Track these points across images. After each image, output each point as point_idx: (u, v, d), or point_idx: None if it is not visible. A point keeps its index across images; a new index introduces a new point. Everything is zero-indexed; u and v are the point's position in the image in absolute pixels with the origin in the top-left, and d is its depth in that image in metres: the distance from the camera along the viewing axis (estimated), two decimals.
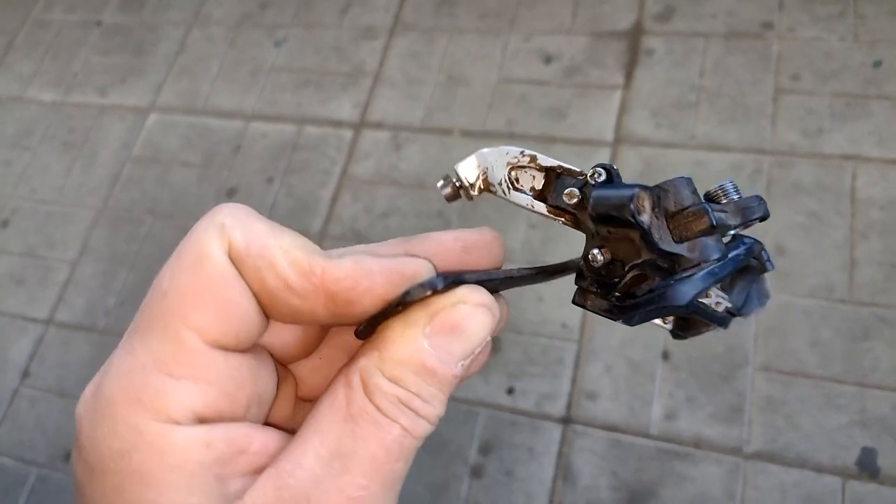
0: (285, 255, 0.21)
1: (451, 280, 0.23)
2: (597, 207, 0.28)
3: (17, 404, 1.49)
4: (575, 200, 0.29)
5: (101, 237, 1.63)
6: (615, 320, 0.28)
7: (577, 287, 0.30)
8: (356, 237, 1.46)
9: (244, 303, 0.21)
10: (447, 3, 1.69)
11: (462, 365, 0.22)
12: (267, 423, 0.24)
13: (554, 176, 0.31)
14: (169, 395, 0.20)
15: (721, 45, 1.46)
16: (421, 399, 0.22)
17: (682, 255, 0.27)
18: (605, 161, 1.38)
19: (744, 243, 0.28)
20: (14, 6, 2.08)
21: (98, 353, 1.49)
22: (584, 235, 0.30)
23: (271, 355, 0.25)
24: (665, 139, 1.39)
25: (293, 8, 1.81)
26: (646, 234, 0.27)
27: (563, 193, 0.30)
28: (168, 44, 1.86)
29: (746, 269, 0.30)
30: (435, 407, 0.22)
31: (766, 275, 0.30)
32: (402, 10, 1.71)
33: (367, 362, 0.22)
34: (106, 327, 1.52)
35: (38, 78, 1.93)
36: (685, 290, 0.26)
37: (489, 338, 0.23)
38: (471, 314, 0.22)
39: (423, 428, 0.22)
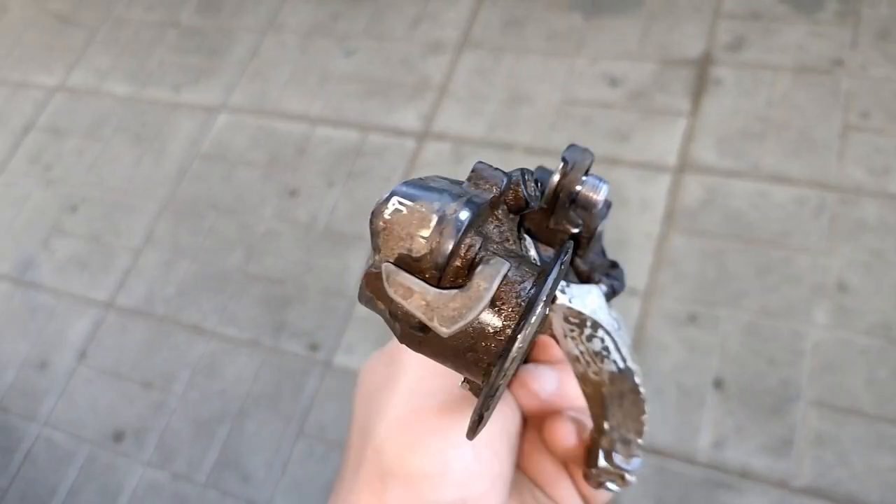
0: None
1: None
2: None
3: (73, 382, 1.54)
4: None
5: (165, 228, 1.68)
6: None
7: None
8: None
9: None
10: (516, 23, 1.72)
11: None
12: None
13: None
14: None
15: (790, 78, 1.46)
16: None
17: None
18: (667, 186, 1.39)
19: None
20: (96, 3, 2.17)
21: (154, 339, 1.54)
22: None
23: None
24: (729, 168, 1.39)
25: (365, 20, 1.86)
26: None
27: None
28: (242, 48, 1.92)
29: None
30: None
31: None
32: (471, 28, 1.75)
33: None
34: (165, 315, 1.56)
35: (114, 72, 2.01)
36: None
37: None
38: None
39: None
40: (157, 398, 1.48)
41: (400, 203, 0.23)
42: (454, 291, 0.23)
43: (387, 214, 0.23)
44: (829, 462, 1.13)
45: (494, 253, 0.24)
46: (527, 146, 1.53)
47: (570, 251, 0.26)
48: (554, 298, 0.29)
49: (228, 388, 1.44)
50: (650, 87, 1.53)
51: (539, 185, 0.27)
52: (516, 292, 0.24)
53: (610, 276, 0.36)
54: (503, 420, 0.33)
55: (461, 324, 0.22)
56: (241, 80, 1.86)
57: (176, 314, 1.56)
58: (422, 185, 0.24)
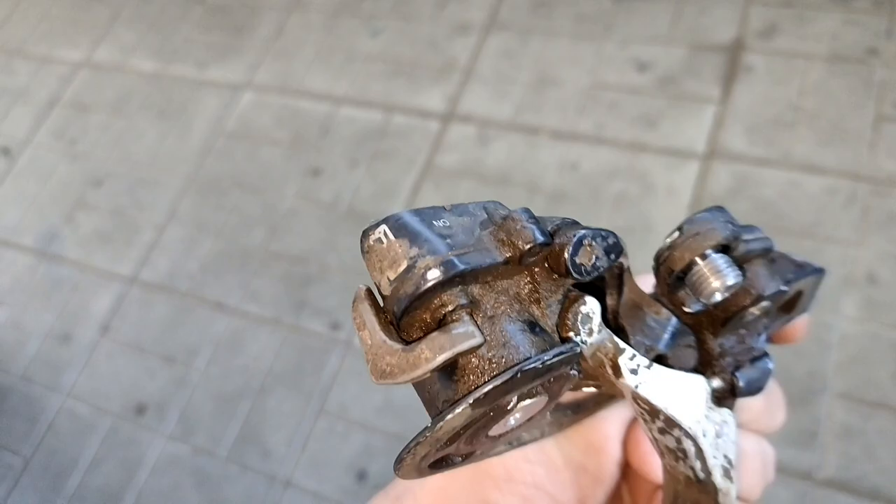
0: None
1: None
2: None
3: (96, 355, 1.55)
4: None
5: (189, 205, 1.69)
6: None
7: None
8: None
9: None
10: (544, 5, 1.71)
11: None
12: None
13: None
14: None
15: (823, 67, 1.44)
16: None
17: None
18: (695, 173, 1.37)
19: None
20: None
21: (177, 314, 1.54)
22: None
23: None
24: (759, 156, 1.37)
25: (391, 0, 1.85)
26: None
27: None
28: (268, 26, 1.92)
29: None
30: None
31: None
32: (498, 9, 1.73)
33: None
34: (188, 290, 1.57)
35: (140, 48, 2.01)
36: None
37: None
38: None
39: None
40: (180, 373, 1.49)
41: (385, 234, 0.22)
42: (398, 346, 0.21)
43: (371, 240, 0.22)
44: (854, 455, 1.12)
45: (475, 319, 0.21)
46: (553, 130, 1.52)
47: (567, 354, 0.22)
48: (618, 373, 0.25)
49: (250, 365, 1.45)
50: (680, 73, 1.51)
51: (613, 253, 0.24)
52: (482, 370, 0.21)
53: (741, 370, 0.28)
54: (597, 454, 0.32)
55: (389, 381, 0.21)
56: (267, 59, 1.86)
57: (198, 290, 1.56)
58: (421, 219, 0.22)
